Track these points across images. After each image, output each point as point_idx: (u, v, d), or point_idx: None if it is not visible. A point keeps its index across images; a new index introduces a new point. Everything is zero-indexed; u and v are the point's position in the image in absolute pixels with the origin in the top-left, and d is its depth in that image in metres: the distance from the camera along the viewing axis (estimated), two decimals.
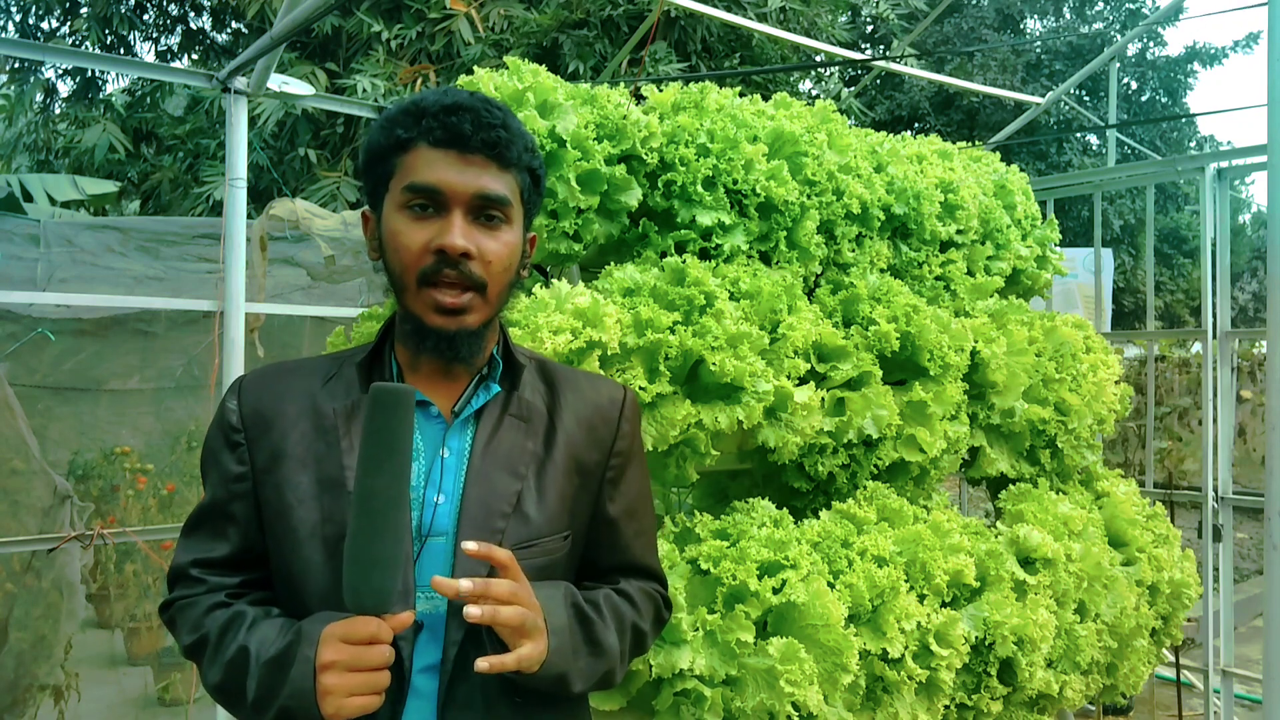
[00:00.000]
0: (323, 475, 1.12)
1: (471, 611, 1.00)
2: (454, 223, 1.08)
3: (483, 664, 1.01)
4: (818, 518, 2.11)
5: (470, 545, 1.03)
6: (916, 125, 13.11)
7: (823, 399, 2.10)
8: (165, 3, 9.14)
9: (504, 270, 1.13)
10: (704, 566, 1.83)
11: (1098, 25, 13.82)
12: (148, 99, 8.95)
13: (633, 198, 2.09)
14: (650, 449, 1.83)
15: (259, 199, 7.05)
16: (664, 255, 2.12)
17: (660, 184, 2.15)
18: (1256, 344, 8.23)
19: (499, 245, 1.12)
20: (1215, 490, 3.73)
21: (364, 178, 1.18)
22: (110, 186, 7.78)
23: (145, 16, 9.05)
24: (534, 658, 1.05)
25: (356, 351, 1.22)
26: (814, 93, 10.26)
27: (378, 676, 0.99)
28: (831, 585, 1.89)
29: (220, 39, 9.46)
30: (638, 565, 1.30)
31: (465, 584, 1.01)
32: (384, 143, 1.12)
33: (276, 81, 2.94)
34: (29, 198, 6.86)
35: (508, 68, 2.09)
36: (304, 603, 1.09)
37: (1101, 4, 14.48)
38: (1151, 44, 14.30)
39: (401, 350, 1.19)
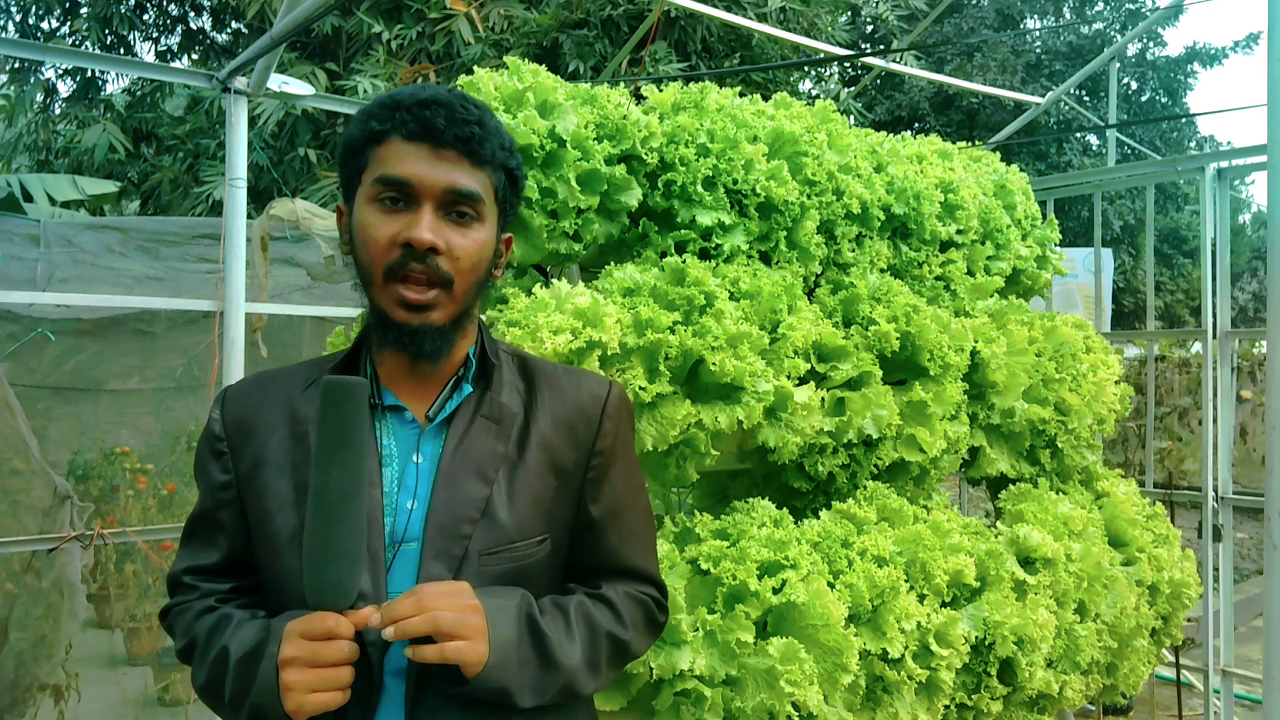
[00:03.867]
0: (299, 481, 1.11)
1: (386, 632, 1.00)
2: (423, 217, 1.08)
3: (407, 651, 1.01)
4: (818, 518, 2.11)
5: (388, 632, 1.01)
6: (916, 125, 13.11)
7: (823, 399, 2.10)
8: (165, 3, 9.14)
9: (472, 268, 1.12)
10: (704, 566, 1.83)
11: (1098, 25, 13.81)
12: (148, 99, 8.95)
13: (633, 198, 2.09)
14: (650, 449, 1.83)
15: (259, 199, 7.05)
16: (664, 255, 2.12)
17: (660, 184, 2.15)
18: (1256, 344, 8.22)
19: (468, 242, 1.10)
20: (1215, 490, 3.73)
21: (339, 170, 1.18)
22: (110, 186, 7.78)
23: (145, 16, 9.05)
24: (468, 656, 1.02)
25: (335, 357, 1.22)
26: (814, 93, 10.26)
27: (338, 672, 0.98)
28: (831, 585, 1.89)
29: (220, 39, 9.46)
30: (625, 567, 1.25)
31: (375, 618, 1.00)
32: (358, 135, 1.12)
33: (276, 81, 2.94)
34: (29, 198, 6.86)
35: (508, 68, 2.09)
36: (284, 609, 1.09)
37: (1101, 4, 14.48)
38: (1151, 44, 14.30)
39: (378, 354, 1.18)
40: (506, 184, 1.17)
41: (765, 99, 2.48)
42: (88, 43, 8.59)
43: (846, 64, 11.25)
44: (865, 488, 2.20)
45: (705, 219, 2.12)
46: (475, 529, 1.10)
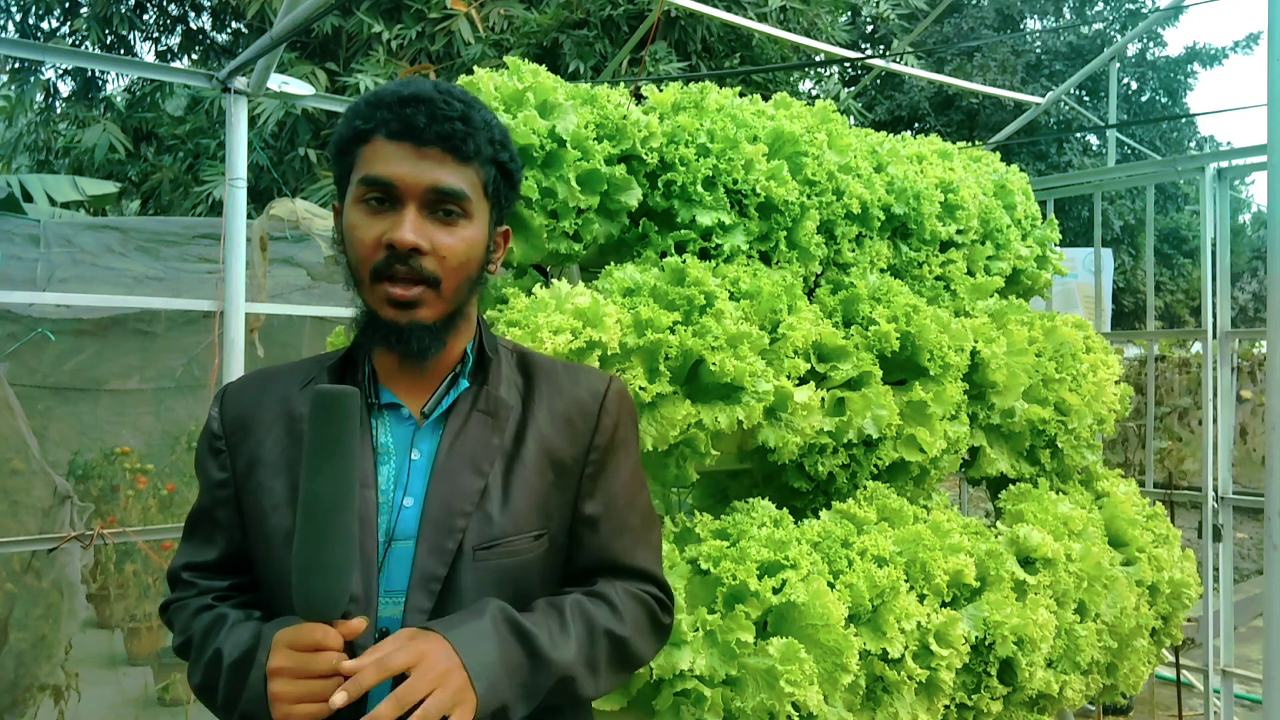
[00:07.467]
0: (295, 480, 1.09)
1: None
2: (405, 217, 1.06)
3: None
4: (818, 518, 2.11)
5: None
6: (916, 125, 13.11)
7: (823, 399, 2.10)
8: (165, 3, 9.14)
9: (460, 266, 1.10)
10: (704, 566, 1.83)
11: (1098, 25, 13.81)
12: (148, 99, 8.95)
13: (633, 198, 2.09)
14: (650, 449, 1.83)
15: (259, 199, 7.05)
16: (664, 255, 2.12)
17: (660, 184, 2.15)
18: (1256, 344, 8.22)
19: (454, 240, 1.09)
20: (1215, 490, 3.73)
21: (333, 169, 1.17)
22: (110, 186, 7.78)
23: (145, 16, 9.05)
24: (466, 716, 0.98)
25: (335, 354, 1.21)
26: (814, 93, 10.26)
27: (324, 684, 0.96)
28: (831, 585, 1.89)
29: (220, 39, 9.46)
30: (624, 566, 1.22)
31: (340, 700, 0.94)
32: (346, 134, 1.11)
33: (276, 81, 2.94)
34: (29, 198, 6.86)
35: (508, 68, 2.09)
36: (280, 608, 1.09)
37: (1101, 4, 14.48)
38: (1151, 44, 14.30)
39: (375, 352, 1.17)
40: (498, 177, 1.15)
41: (765, 99, 2.48)
42: (88, 43, 8.59)
43: (846, 64, 11.25)
44: (865, 488, 2.20)
45: (705, 219, 2.12)
46: (469, 522, 1.09)
